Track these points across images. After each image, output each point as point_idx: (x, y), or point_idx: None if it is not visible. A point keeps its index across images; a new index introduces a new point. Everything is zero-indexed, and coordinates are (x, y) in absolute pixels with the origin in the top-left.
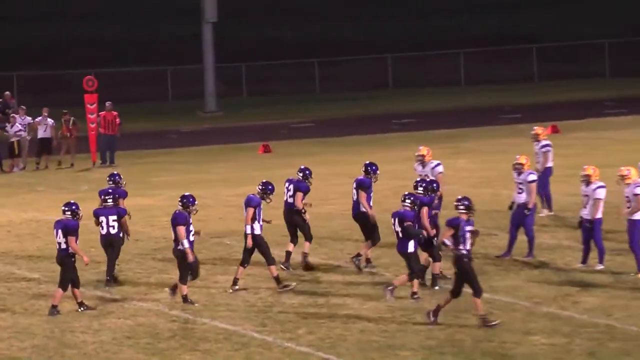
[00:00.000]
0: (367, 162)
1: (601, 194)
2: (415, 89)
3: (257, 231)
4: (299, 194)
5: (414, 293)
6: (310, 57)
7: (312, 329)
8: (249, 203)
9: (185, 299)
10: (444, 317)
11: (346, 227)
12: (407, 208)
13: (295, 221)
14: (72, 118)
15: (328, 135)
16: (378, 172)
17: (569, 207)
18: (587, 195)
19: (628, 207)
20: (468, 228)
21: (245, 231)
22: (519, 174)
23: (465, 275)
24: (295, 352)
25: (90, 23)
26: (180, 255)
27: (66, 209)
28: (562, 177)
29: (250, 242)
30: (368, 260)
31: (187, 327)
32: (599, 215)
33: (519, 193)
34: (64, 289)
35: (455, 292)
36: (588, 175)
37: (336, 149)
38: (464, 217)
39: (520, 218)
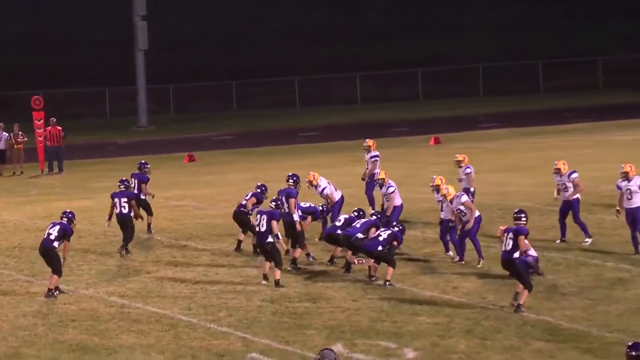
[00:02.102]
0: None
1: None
2: (319, 107)
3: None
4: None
5: (387, 281)
6: (229, 79)
7: (231, 312)
8: (289, 195)
9: (277, 283)
10: (343, 301)
11: None
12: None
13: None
14: (20, 132)
15: (245, 146)
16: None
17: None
18: (439, 201)
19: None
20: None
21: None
22: (381, 187)
23: (516, 273)
24: (217, 332)
25: (43, 50)
26: (270, 246)
27: (63, 215)
28: None
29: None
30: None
31: (123, 311)
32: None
33: (387, 201)
34: (60, 275)
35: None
36: (437, 185)
37: (252, 158)
38: (523, 224)
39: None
